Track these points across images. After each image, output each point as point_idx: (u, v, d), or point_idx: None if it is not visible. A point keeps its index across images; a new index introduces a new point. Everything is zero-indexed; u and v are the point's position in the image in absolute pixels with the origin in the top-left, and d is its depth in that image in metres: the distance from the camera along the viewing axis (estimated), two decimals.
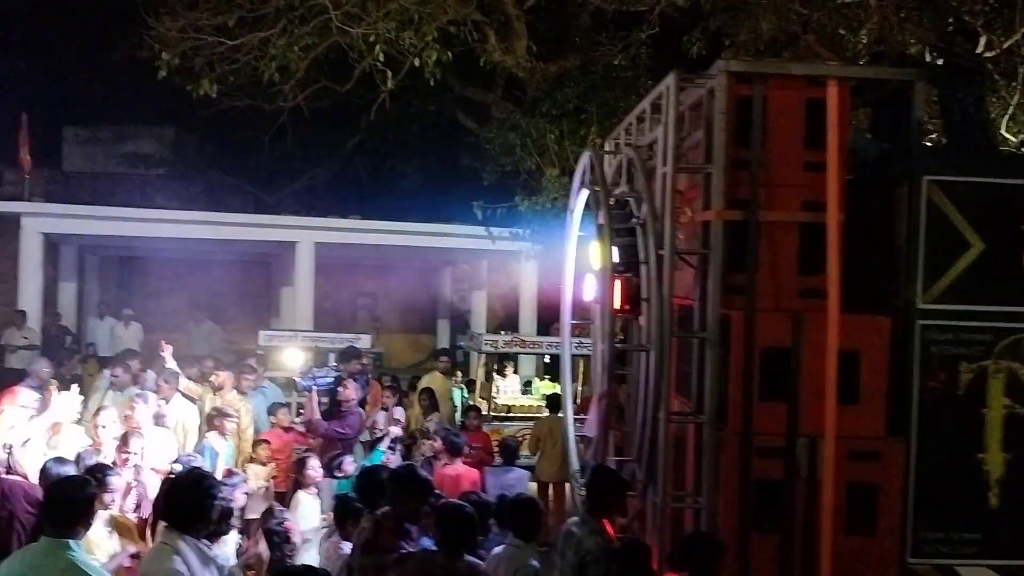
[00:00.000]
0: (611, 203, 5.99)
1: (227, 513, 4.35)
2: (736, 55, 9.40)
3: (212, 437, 7.60)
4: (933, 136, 8.56)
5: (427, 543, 4.68)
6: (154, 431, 7.12)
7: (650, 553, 4.63)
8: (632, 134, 6.97)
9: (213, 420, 7.77)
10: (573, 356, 13.03)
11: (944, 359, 5.09)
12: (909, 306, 5.09)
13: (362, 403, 9.28)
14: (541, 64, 13.32)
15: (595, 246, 6.04)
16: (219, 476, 5.57)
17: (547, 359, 15.23)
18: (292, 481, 7.12)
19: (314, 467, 6.72)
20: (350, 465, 7.11)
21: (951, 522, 5.10)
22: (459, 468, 7.37)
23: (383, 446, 7.35)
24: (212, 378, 8.76)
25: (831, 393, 4.85)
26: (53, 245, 16.93)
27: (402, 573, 4.30)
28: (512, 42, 13.12)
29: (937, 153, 6.57)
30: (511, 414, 12.16)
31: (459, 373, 13.54)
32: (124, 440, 6.30)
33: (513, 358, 13.67)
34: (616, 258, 5.64)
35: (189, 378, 9.13)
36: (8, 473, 5.56)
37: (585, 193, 6.77)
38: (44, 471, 5.36)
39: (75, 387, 7.17)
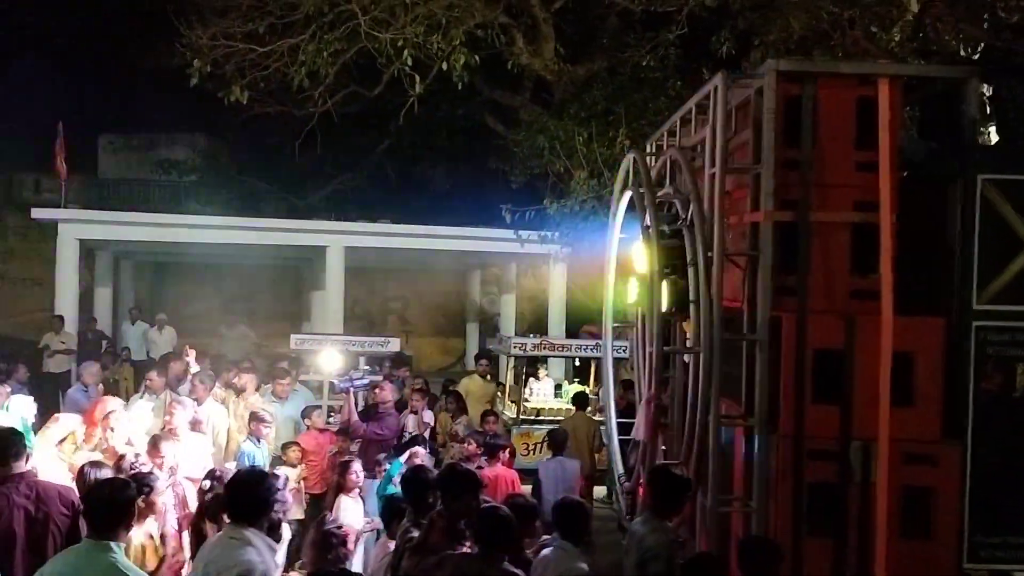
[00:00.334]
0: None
1: (278, 520, 4.45)
2: (765, 54, 9.33)
3: (247, 444, 7.65)
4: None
5: None
6: (190, 436, 7.18)
7: (722, 568, 4.55)
8: (676, 135, 6.91)
9: (249, 424, 7.83)
10: (600, 359, 13.06)
11: (1000, 360, 4.98)
12: (964, 307, 4.99)
13: (401, 406, 9.33)
14: (569, 66, 13.31)
15: (639, 249, 6.00)
16: None
17: (576, 362, 15.19)
18: (333, 483, 7.12)
19: (357, 471, 6.75)
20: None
21: (1008, 526, 4.98)
22: (497, 469, 7.35)
23: (403, 458, 7.32)
24: (235, 380, 8.83)
25: (885, 395, 4.77)
26: (89, 251, 17.21)
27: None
28: (539, 45, 13.12)
29: (992, 151, 6.40)
30: (541, 417, 12.13)
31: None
32: (155, 444, 6.35)
33: (545, 361, 13.64)
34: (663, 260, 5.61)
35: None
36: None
37: (628, 195, 6.71)
38: (82, 474, 5.43)
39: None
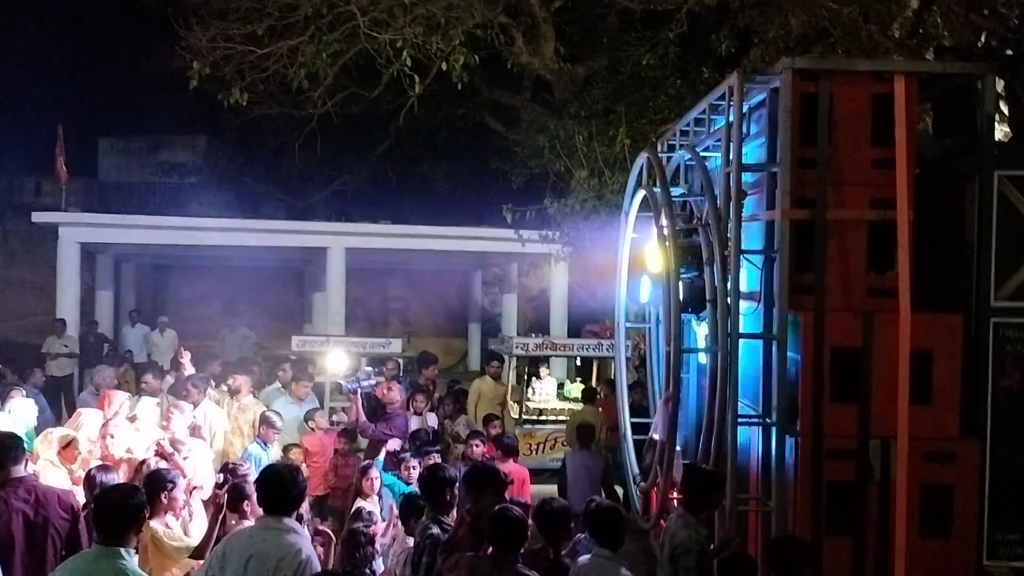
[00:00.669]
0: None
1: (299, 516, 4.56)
2: (765, 52, 9.31)
3: (254, 447, 7.64)
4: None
5: None
6: (192, 443, 7.14)
7: (756, 568, 4.52)
8: (689, 135, 6.90)
9: (260, 427, 7.82)
10: (602, 358, 13.03)
11: (1018, 357, 5.00)
12: (981, 304, 5.00)
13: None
14: (569, 66, 13.30)
15: (651, 248, 5.98)
16: None
17: (578, 361, 15.17)
18: (352, 487, 7.10)
19: (375, 476, 6.76)
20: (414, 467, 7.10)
21: None
22: (510, 466, 7.44)
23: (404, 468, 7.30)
24: (229, 382, 8.84)
25: (903, 393, 4.78)
26: (90, 254, 17.21)
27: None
28: (539, 44, 13.10)
29: (1008, 147, 6.41)
30: (543, 417, 12.12)
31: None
32: (173, 450, 6.37)
33: (546, 361, 13.62)
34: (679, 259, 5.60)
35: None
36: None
37: (641, 194, 6.70)
38: (89, 478, 5.43)
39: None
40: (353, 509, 6.31)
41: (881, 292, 4.95)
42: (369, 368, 10.63)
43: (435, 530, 4.81)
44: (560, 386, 13.68)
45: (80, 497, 5.29)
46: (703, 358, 6.36)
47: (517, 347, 12.43)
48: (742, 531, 5.24)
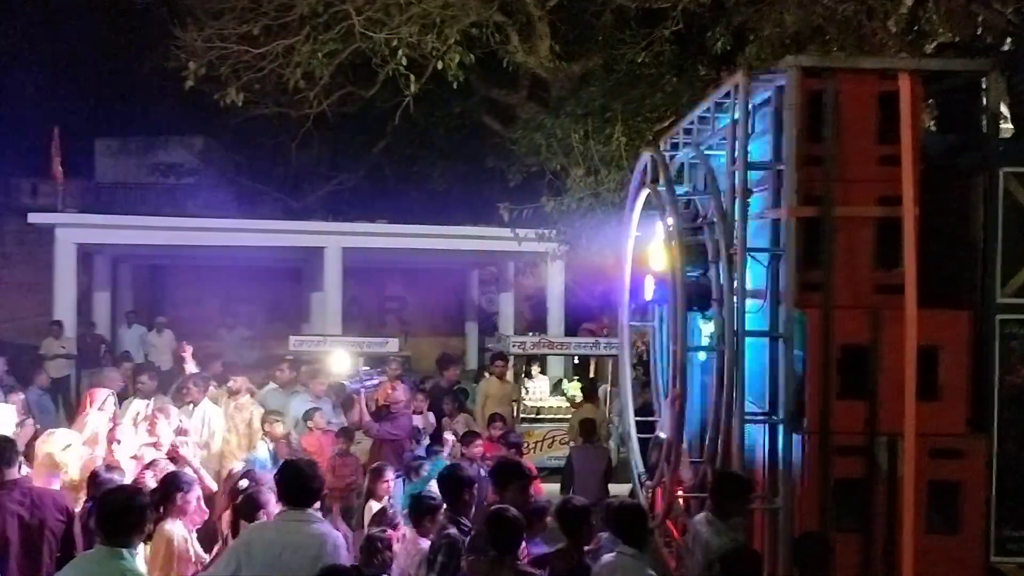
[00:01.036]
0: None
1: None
2: (760, 49, 9.33)
3: (260, 445, 7.62)
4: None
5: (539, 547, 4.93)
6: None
7: (760, 560, 4.54)
8: (692, 133, 6.91)
9: (264, 425, 7.81)
10: (602, 356, 13.04)
11: None
12: (987, 300, 5.01)
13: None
14: (564, 64, 13.31)
15: (656, 246, 5.98)
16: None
17: (576, 360, 15.19)
18: (364, 488, 7.08)
19: (390, 479, 6.74)
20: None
21: None
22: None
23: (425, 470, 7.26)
24: (230, 383, 8.81)
25: (910, 390, 4.78)
26: (86, 255, 17.18)
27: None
28: (535, 42, 13.11)
29: (1014, 143, 6.44)
30: (540, 416, 12.14)
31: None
32: (177, 452, 6.37)
33: (539, 359, 13.64)
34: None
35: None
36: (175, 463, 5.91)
37: (645, 193, 6.70)
38: (94, 479, 5.42)
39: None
40: (376, 510, 6.26)
41: (888, 289, 4.96)
42: (365, 367, 10.65)
43: (453, 530, 4.86)
44: (557, 383, 13.71)
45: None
46: (702, 355, 6.38)
47: (514, 346, 12.45)
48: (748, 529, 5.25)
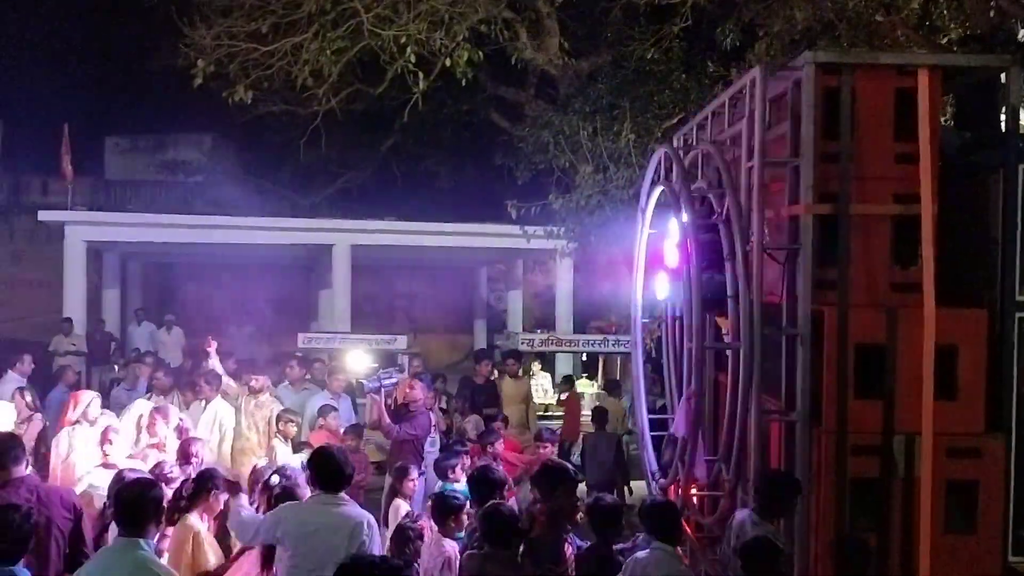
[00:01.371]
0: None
1: None
2: (770, 46, 9.29)
3: (277, 443, 7.62)
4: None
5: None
6: (175, 445, 6.96)
7: (779, 553, 4.49)
8: (707, 129, 6.87)
9: (278, 424, 7.78)
10: (611, 354, 13.04)
11: None
12: (1006, 298, 4.94)
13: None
14: (573, 61, 13.29)
15: (671, 244, 5.95)
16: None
17: (584, 357, 15.19)
18: (388, 487, 7.07)
19: (415, 478, 6.73)
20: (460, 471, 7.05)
21: None
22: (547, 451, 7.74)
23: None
24: (251, 382, 8.78)
25: (928, 389, 4.73)
26: (96, 253, 17.25)
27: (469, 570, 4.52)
28: (543, 39, 13.09)
29: None
30: (549, 413, 12.12)
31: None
32: (185, 450, 6.36)
33: (538, 357, 13.63)
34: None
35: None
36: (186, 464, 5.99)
37: (658, 190, 6.66)
38: (120, 478, 5.43)
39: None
40: (400, 511, 6.25)
41: (905, 287, 4.91)
42: (374, 364, 10.62)
43: None
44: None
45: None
46: None
47: (523, 343, 12.45)
48: None
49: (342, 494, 4.63)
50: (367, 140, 19.01)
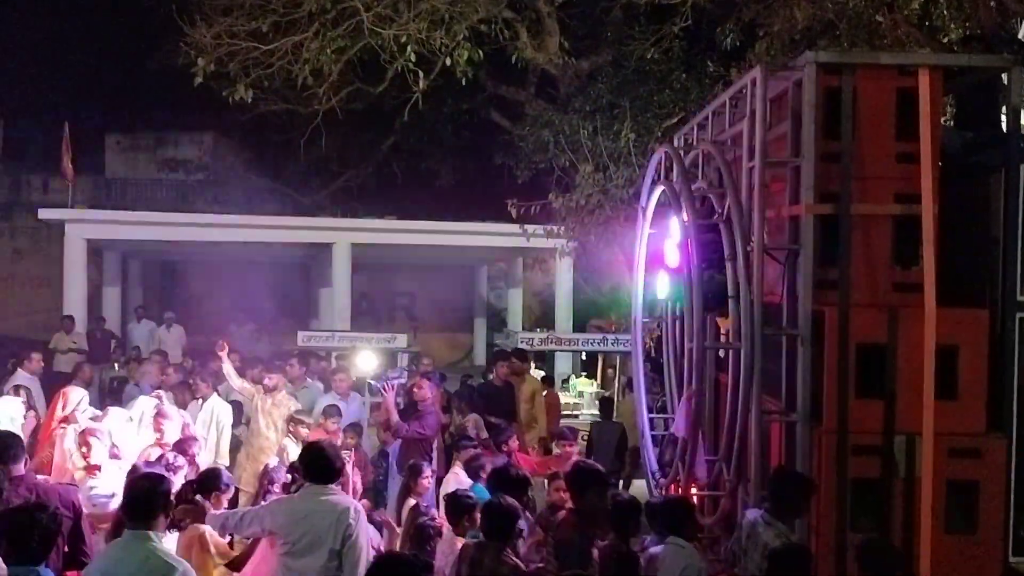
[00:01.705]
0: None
1: None
2: (770, 45, 9.28)
3: (288, 442, 7.62)
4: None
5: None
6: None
7: (811, 560, 4.46)
8: (707, 129, 6.87)
9: (288, 425, 7.78)
10: (610, 353, 13.03)
11: None
12: (1007, 298, 4.96)
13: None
14: (573, 60, 13.29)
15: (671, 243, 5.95)
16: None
17: (584, 356, 15.19)
18: (402, 486, 7.07)
19: (428, 475, 6.69)
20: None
21: None
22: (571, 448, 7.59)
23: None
24: (266, 381, 8.74)
25: (929, 389, 4.74)
26: (96, 251, 17.25)
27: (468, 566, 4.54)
28: (544, 39, 13.10)
29: None
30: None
31: None
32: (185, 445, 6.37)
33: (543, 356, 13.59)
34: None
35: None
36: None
37: (659, 189, 6.66)
38: (135, 472, 5.46)
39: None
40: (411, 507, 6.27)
41: (906, 287, 4.92)
42: (401, 366, 10.55)
43: None
44: (564, 380, 13.70)
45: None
46: None
47: (522, 342, 12.45)
48: None
49: (331, 485, 4.84)
50: (367, 139, 19.01)
